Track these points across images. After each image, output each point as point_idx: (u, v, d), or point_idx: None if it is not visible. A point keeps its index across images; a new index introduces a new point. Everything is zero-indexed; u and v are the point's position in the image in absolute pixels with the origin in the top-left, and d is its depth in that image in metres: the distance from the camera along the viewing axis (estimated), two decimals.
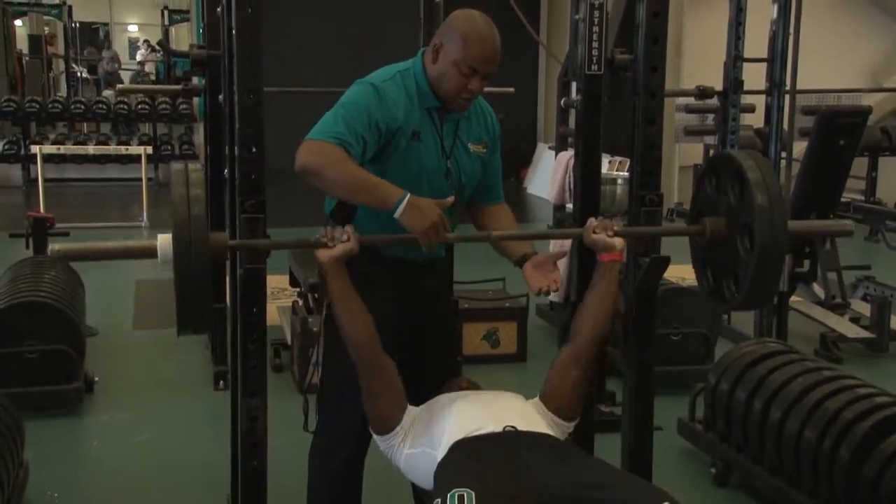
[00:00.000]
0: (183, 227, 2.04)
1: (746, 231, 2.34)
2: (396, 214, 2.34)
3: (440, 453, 2.23)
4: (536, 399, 2.44)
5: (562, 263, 3.93)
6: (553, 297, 5.25)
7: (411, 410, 2.41)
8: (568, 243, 3.88)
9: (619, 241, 2.44)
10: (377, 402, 2.38)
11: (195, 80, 5.49)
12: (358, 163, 2.42)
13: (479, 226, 2.81)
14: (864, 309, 5.60)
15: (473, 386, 2.65)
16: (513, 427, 2.24)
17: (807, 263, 5.50)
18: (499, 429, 2.23)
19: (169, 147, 12.38)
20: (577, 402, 2.45)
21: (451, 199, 2.47)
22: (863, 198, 9.07)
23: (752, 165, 2.35)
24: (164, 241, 2.08)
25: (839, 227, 2.77)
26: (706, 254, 2.55)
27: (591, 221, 2.48)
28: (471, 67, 2.48)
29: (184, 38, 16.23)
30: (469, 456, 2.16)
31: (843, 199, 6.29)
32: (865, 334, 5.30)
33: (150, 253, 2.13)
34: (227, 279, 2.95)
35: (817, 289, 5.70)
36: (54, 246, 2.20)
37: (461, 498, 1.97)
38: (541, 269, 2.60)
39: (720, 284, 2.49)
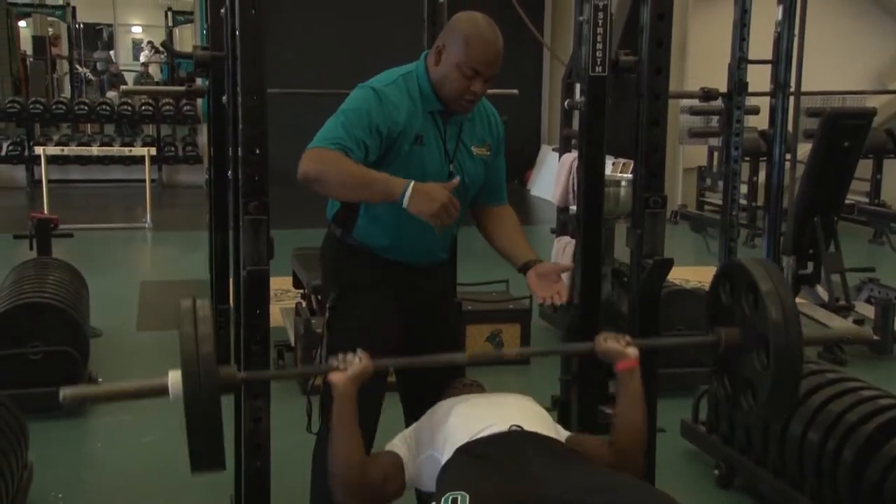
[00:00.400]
0: (192, 366, 2.04)
1: (762, 343, 2.29)
2: (404, 203, 2.33)
3: (445, 457, 2.23)
4: (565, 437, 2.37)
5: (567, 258, 3.94)
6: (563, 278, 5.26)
7: (403, 450, 2.38)
8: (569, 255, 3.89)
9: (632, 350, 2.36)
10: (383, 500, 2.34)
11: (199, 81, 5.50)
12: (361, 159, 2.42)
13: (482, 227, 2.81)
14: (868, 311, 5.59)
15: (477, 385, 2.65)
16: (518, 426, 2.24)
17: (811, 265, 5.50)
18: (504, 428, 2.23)
19: (172, 148, 12.40)
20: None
21: (456, 179, 2.46)
22: (867, 200, 9.08)
23: (765, 276, 2.30)
24: (175, 379, 2.08)
25: (857, 333, 2.70)
26: (721, 361, 2.50)
27: (602, 334, 2.41)
28: (473, 69, 2.48)
29: (187, 39, 16.24)
30: (470, 459, 2.15)
31: (847, 202, 6.30)
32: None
33: (162, 392, 2.11)
34: (231, 280, 2.95)
35: (821, 291, 5.69)
36: (65, 391, 2.14)
37: (454, 501, 1.95)
38: (546, 279, 2.60)
39: (737, 394, 2.42)
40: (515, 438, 2.21)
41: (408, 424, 2.71)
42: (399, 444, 2.42)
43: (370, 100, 2.50)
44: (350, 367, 2.25)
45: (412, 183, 2.34)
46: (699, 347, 2.60)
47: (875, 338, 2.56)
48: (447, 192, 2.35)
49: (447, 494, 1.98)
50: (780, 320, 2.23)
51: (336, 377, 2.25)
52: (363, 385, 2.31)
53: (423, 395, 2.60)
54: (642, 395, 2.37)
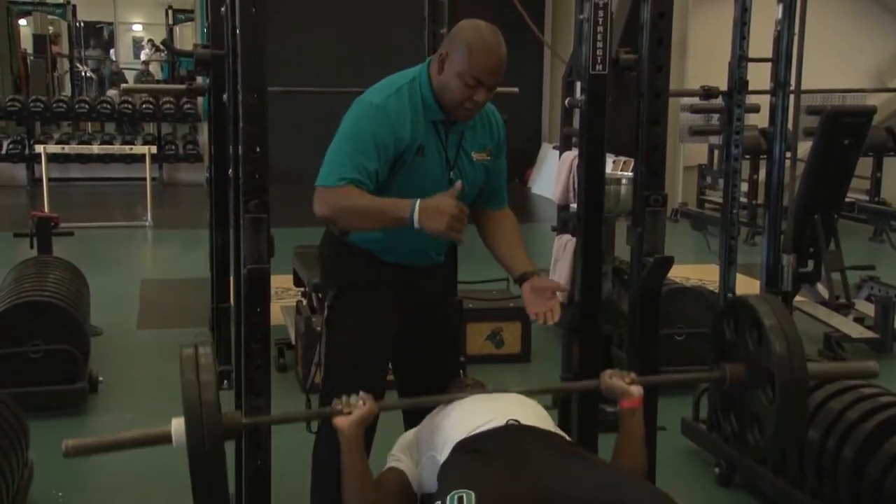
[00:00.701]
0: (195, 413, 2.04)
1: (767, 378, 2.29)
2: (416, 225, 2.35)
3: (442, 456, 2.23)
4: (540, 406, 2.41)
5: (566, 265, 3.94)
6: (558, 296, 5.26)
7: (408, 462, 2.40)
8: (570, 253, 3.88)
9: (636, 389, 2.36)
10: None
11: (199, 79, 5.50)
12: (370, 187, 2.44)
13: (482, 230, 2.81)
14: (869, 309, 5.59)
15: (477, 384, 2.65)
16: (516, 420, 2.24)
17: (811, 263, 5.49)
18: (501, 422, 2.23)
19: (173, 147, 12.41)
20: None
21: (458, 184, 2.46)
22: (867, 198, 9.08)
23: (769, 312, 2.31)
24: (178, 426, 2.08)
25: (860, 369, 2.71)
26: (726, 397, 2.50)
27: (607, 371, 2.41)
28: (476, 79, 2.47)
29: (188, 37, 16.24)
30: (470, 455, 2.16)
31: (847, 200, 6.29)
32: (869, 334, 5.30)
33: (165, 440, 2.11)
34: (232, 279, 2.95)
35: (821, 289, 5.69)
36: (68, 442, 2.13)
37: (460, 499, 1.96)
38: (540, 295, 2.60)
39: (743, 430, 2.43)
40: (513, 432, 2.21)
41: (406, 424, 2.72)
42: (400, 455, 2.43)
43: (373, 119, 2.48)
44: (354, 410, 2.24)
45: (417, 202, 2.35)
46: (700, 346, 2.60)
47: (876, 368, 2.56)
48: (453, 200, 2.36)
49: (452, 493, 1.98)
50: (784, 355, 2.23)
51: (340, 422, 2.24)
52: (362, 388, 2.32)
53: (422, 394, 2.61)
54: (643, 434, 2.38)
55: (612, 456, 2.39)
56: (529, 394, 2.50)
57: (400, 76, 2.61)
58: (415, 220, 2.35)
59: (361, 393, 2.28)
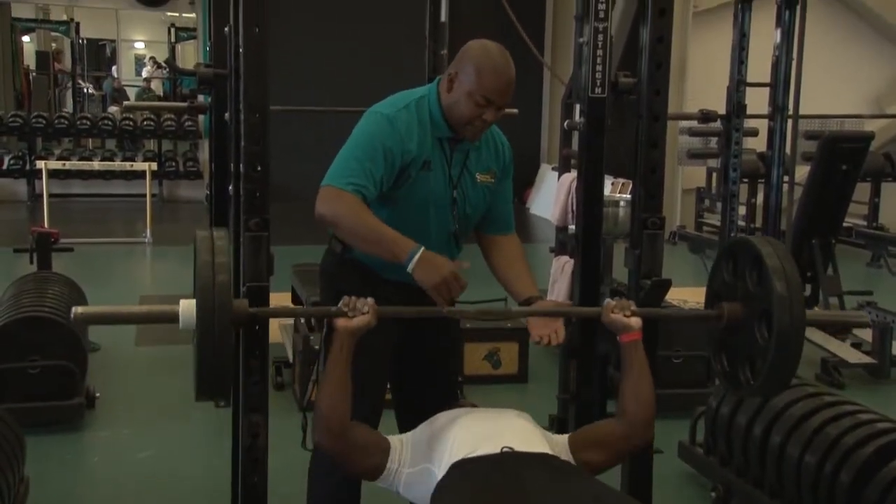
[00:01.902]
0: (207, 293, 2.06)
1: (764, 318, 2.31)
2: (409, 269, 2.37)
3: (440, 472, 2.23)
4: (565, 440, 2.40)
5: (564, 286, 3.95)
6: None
7: (395, 441, 2.39)
8: (568, 274, 3.89)
9: (636, 321, 2.41)
10: (354, 467, 2.36)
11: (200, 97, 5.52)
12: (376, 196, 2.45)
13: (487, 256, 2.81)
14: (866, 334, 5.59)
15: (472, 404, 2.66)
16: (510, 448, 2.24)
17: (809, 288, 5.50)
18: (496, 450, 2.23)
19: (173, 164, 12.43)
20: (608, 467, 2.43)
21: (466, 264, 2.48)
22: (865, 223, 9.09)
23: (771, 252, 2.33)
24: (185, 306, 2.10)
25: (855, 318, 2.75)
26: (721, 338, 2.52)
27: (609, 302, 2.45)
28: (485, 98, 2.49)
29: (190, 55, 16.30)
30: (466, 479, 2.16)
31: (845, 225, 6.31)
32: (867, 360, 5.30)
33: (172, 318, 2.14)
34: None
35: None
36: (77, 309, 2.17)
37: None
38: (543, 318, 2.61)
39: (735, 369, 2.45)
40: (508, 460, 2.21)
41: (401, 430, 2.71)
42: (394, 439, 2.43)
43: (384, 128, 2.51)
44: (357, 316, 2.28)
45: (421, 250, 2.37)
46: (697, 322, 2.63)
47: (867, 318, 2.60)
48: (455, 269, 2.38)
49: None
50: (785, 294, 2.25)
51: (340, 323, 2.29)
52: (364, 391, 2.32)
53: (418, 416, 2.61)
54: (647, 364, 2.43)
55: (619, 396, 2.43)
56: (525, 315, 2.53)
57: (409, 93, 2.64)
58: (411, 264, 2.37)
59: (370, 299, 2.31)
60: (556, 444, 2.37)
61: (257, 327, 2.43)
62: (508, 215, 2.83)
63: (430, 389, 2.77)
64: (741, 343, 2.42)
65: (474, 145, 2.64)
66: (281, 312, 2.35)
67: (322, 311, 2.44)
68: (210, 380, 2.10)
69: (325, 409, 2.29)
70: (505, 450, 2.23)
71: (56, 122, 12.06)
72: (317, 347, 4.13)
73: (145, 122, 12.17)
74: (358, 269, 2.65)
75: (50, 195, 9.16)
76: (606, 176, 2.82)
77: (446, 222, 2.62)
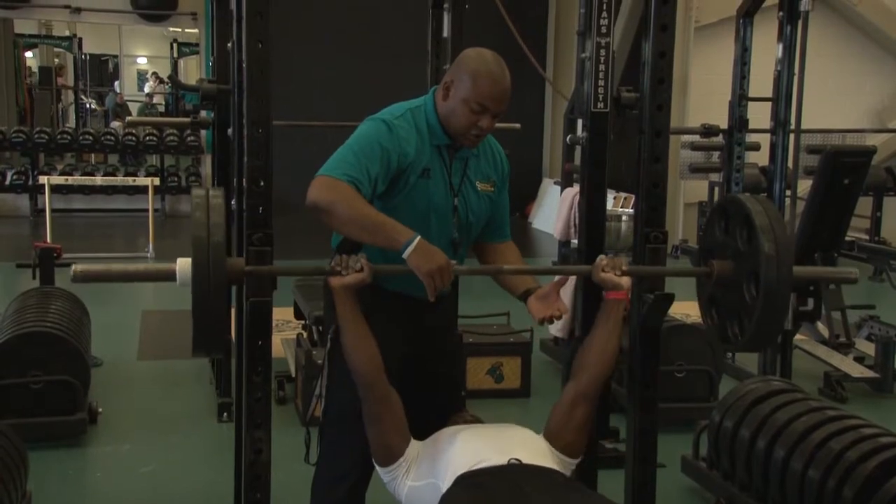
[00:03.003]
0: (202, 251, 2.09)
1: (752, 277, 2.37)
2: (405, 255, 2.36)
3: (444, 485, 2.23)
4: (541, 436, 2.44)
5: (566, 298, 3.94)
6: (557, 331, 5.26)
7: (415, 444, 2.41)
8: (571, 283, 3.89)
9: (626, 281, 2.47)
10: (380, 429, 2.38)
11: (203, 113, 5.54)
12: (368, 200, 2.44)
13: (485, 261, 2.82)
14: (869, 348, 5.59)
15: (477, 421, 2.65)
16: (517, 460, 2.24)
17: (811, 302, 5.49)
18: (503, 461, 2.24)
19: (176, 178, 12.44)
20: (583, 438, 2.46)
21: (455, 263, 2.49)
22: (867, 237, 9.09)
23: (761, 211, 2.38)
24: (182, 264, 2.14)
25: (842, 274, 2.79)
26: (712, 294, 2.57)
27: (601, 259, 2.50)
28: (481, 105, 2.50)
29: (192, 70, 16.34)
30: (470, 491, 2.16)
31: (847, 239, 6.31)
32: (870, 374, 5.29)
33: (170, 276, 2.19)
34: (233, 311, 2.96)
35: (821, 328, 5.69)
36: (76, 266, 2.22)
37: None
38: (544, 300, 2.62)
39: (724, 325, 2.52)
40: (514, 472, 2.21)
41: None
42: (412, 440, 2.45)
43: (381, 131, 2.52)
44: (349, 274, 2.33)
45: (418, 237, 2.36)
46: (687, 276, 2.67)
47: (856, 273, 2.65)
48: (447, 259, 2.38)
49: None
50: (772, 254, 2.32)
51: (335, 281, 2.35)
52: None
53: (423, 429, 2.61)
54: (622, 329, 2.50)
55: (583, 350, 2.51)
56: (522, 272, 2.57)
57: (405, 103, 2.65)
58: (407, 250, 2.35)
59: (361, 255, 2.36)
60: (548, 448, 2.38)
61: (260, 342, 2.43)
62: (506, 224, 2.84)
63: (433, 402, 2.77)
64: (731, 300, 2.49)
65: (473, 153, 2.65)
66: (276, 271, 2.37)
67: (317, 269, 2.47)
68: (206, 335, 2.16)
69: (361, 364, 2.36)
70: (512, 461, 2.23)
71: (59, 137, 12.08)
72: (319, 362, 4.13)
73: (148, 138, 12.19)
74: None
75: (52, 210, 9.17)
76: (609, 190, 2.83)
77: (448, 230, 2.62)
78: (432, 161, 2.58)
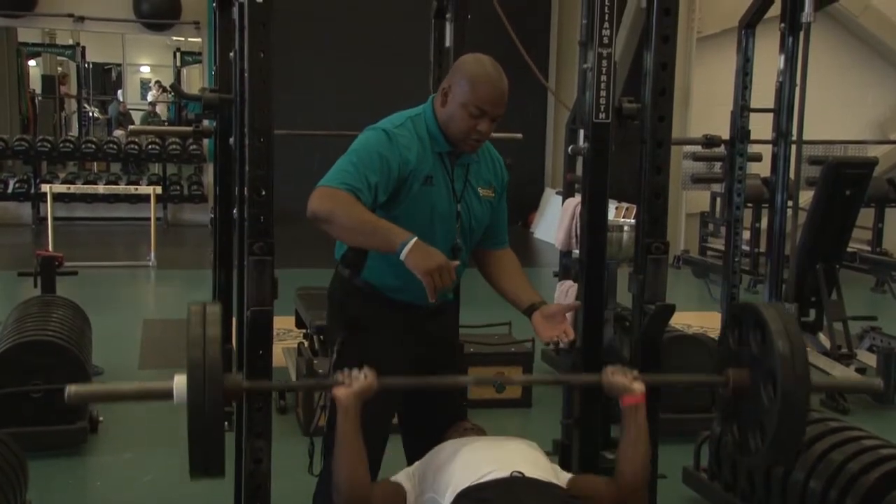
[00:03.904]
0: (198, 369, 2.05)
1: (769, 378, 2.31)
2: (402, 256, 2.34)
3: (445, 500, 2.23)
4: (566, 480, 2.39)
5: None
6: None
7: (407, 484, 2.39)
8: (572, 299, 3.89)
9: (638, 385, 2.36)
10: None
11: (206, 122, 5.54)
12: (369, 209, 2.44)
13: (484, 270, 2.83)
14: (871, 360, 5.58)
15: (478, 429, 2.65)
16: (520, 473, 2.23)
17: (813, 313, 5.49)
18: (505, 473, 2.23)
19: (178, 187, 12.46)
20: None
21: (456, 263, 2.47)
22: (869, 248, 9.09)
23: (774, 315, 2.34)
24: (180, 382, 2.09)
25: (866, 384, 2.69)
26: (731, 407, 2.51)
27: (609, 367, 2.42)
28: (479, 109, 2.51)
29: (195, 79, 16.36)
30: (471, 503, 2.15)
31: (849, 250, 6.30)
32: None
33: (167, 395, 2.12)
34: (234, 320, 2.96)
35: (823, 339, 5.69)
36: (70, 388, 2.18)
37: None
38: (551, 320, 2.61)
39: (745, 436, 2.43)
40: (516, 485, 2.21)
41: (409, 459, 2.71)
42: (403, 478, 2.42)
43: (381, 140, 2.52)
44: (355, 382, 2.27)
45: (415, 238, 2.35)
46: (703, 388, 2.62)
47: (880, 384, 2.57)
48: (447, 260, 2.37)
49: None
50: (787, 353, 2.25)
51: (340, 392, 2.27)
52: (370, 417, 2.32)
53: (424, 438, 2.60)
54: (647, 431, 2.37)
55: (617, 460, 2.39)
56: (531, 384, 2.50)
57: (405, 112, 2.66)
58: (404, 251, 2.33)
59: (365, 367, 2.31)
60: (561, 479, 2.36)
61: (261, 351, 2.43)
62: (504, 231, 2.85)
63: (434, 410, 2.76)
64: (750, 409, 2.40)
65: (474, 159, 2.66)
66: (277, 387, 2.34)
67: (321, 383, 2.43)
68: (204, 455, 2.08)
69: (346, 484, 2.27)
70: (515, 474, 2.23)
71: (61, 145, 12.11)
72: (321, 371, 4.13)
73: (150, 146, 12.21)
74: (365, 294, 2.65)
75: (55, 218, 9.17)
76: (610, 200, 2.83)
77: (451, 236, 2.63)
78: (435, 168, 2.58)
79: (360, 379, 2.28)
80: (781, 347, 2.26)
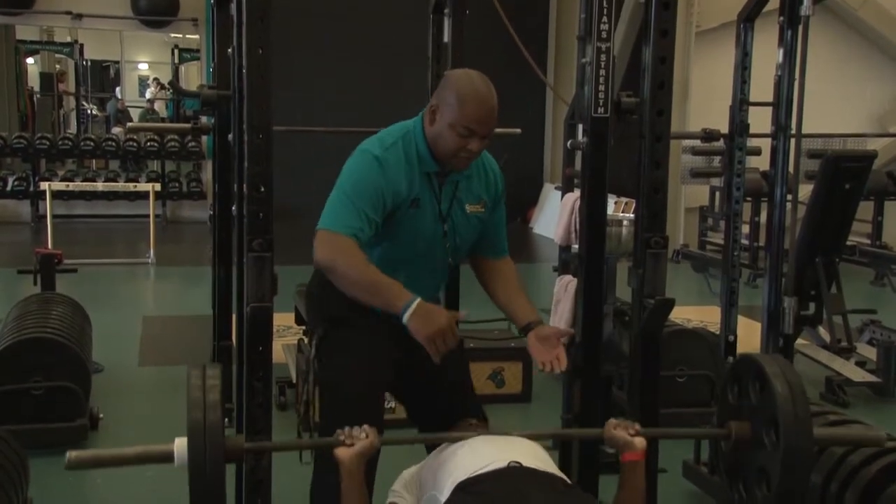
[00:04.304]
0: (198, 434, 2.05)
1: (771, 424, 2.30)
2: (404, 319, 2.37)
3: (443, 496, 2.23)
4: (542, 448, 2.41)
5: (567, 306, 3.94)
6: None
7: (406, 496, 2.42)
8: (571, 294, 3.89)
9: (639, 441, 2.34)
10: None
11: (204, 118, 5.54)
12: (369, 241, 2.45)
13: (482, 279, 2.82)
14: (871, 353, 5.58)
15: (482, 424, 2.65)
16: (517, 462, 2.24)
17: (812, 306, 5.49)
18: (503, 464, 2.23)
19: (177, 184, 12.45)
20: None
21: (464, 313, 2.51)
22: (869, 241, 9.09)
23: (770, 361, 2.37)
24: (181, 446, 2.09)
25: (870, 437, 2.68)
26: (734, 465, 2.51)
27: (612, 421, 2.40)
28: (467, 128, 2.48)
29: (193, 76, 16.34)
30: (470, 496, 2.16)
31: (848, 243, 6.30)
32: (871, 378, 5.28)
33: (167, 458, 2.12)
34: (234, 316, 2.96)
35: (823, 332, 5.69)
36: (71, 454, 2.14)
37: None
38: (546, 343, 2.61)
39: (751, 491, 2.42)
40: (514, 474, 2.21)
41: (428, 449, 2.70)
42: (402, 491, 2.43)
43: (374, 170, 2.50)
44: (357, 442, 2.24)
45: (417, 301, 2.37)
46: (701, 388, 2.63)
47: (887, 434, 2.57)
48: (449, 320, 2.39)
49: None
50: (787, 395, 2.26)
51: (342, 453, 2.24)
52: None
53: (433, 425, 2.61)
54: (643, 488, 2.35)
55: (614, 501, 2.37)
56: (531, 437, 2.49)
57: (395, 129, 2.63)
58: (406, 314, 2.37)
59: (365, 426, 2.28)
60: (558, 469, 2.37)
61: (260, 348, 2.43)
62: (502, 240, 2.83)
63: (444, 402, 2.76)
64: (754, 460, 2.40)
65: (464, 174, 2.63)
66: (279, 447, 2.37)
67: (321, 442, 2.43)
68: None
69: None
70: (513, 464, 2.23)
71: (60, 143, 12.09)
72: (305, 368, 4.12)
73: (149, 143, 12.20)
74: (344, 295, 2.59)
75: (53, 216, 9.17)
76: (609, 195, 2.83)
77: (436, 254, 2.63)
78: (422, 190, 2.56)
79: (362, 438, 2.25)
80: (780, 388, 2.27)
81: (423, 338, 2.36)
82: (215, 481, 2.05)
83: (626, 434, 2.33)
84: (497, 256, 2.81)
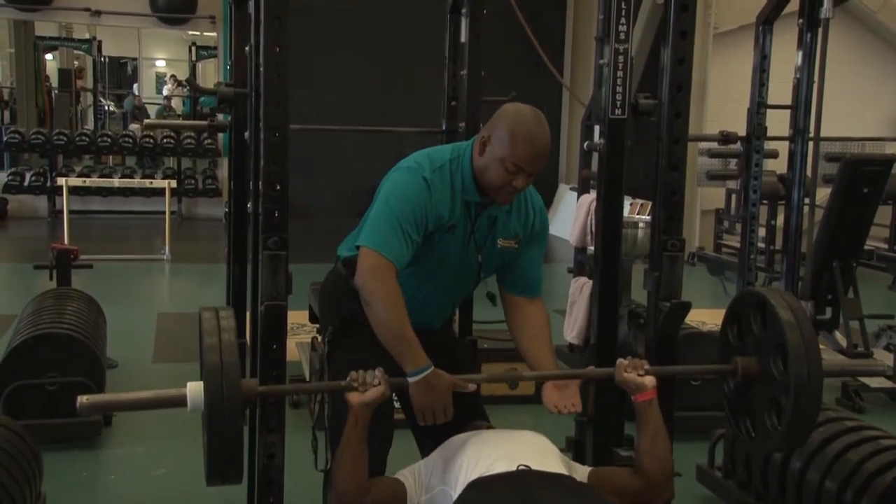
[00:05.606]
0: (215, 375, 2.04)
1: (779, 352, 2.30)
2: (410, 381, 2.39)
3: (456, 492, 2.23)
4: (586, 473, 2.41)
5: (582, 307, 3.92)
6: (573, 338, 5.24)
7: (410, 480, 2.41)
8: (586, 295, 3.87)
9: (649, 380, 2.40)
10: None
11: (221, 116, 5.55)
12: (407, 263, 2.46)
13: (509, 318, 2.79)
14: (887, 358, 5.54)
15: (488, 427, 2.65)
16: (526, 466, 2.23)
17: (829, 311, 5.46)
18: (512, 467, 2.23)
19: (193, 181, 12.49)
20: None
21: (472, 387, 2.50)
22: (886, 246, 9.04)
23: (772, 292, 2.39)
24: (193, 389, 2.07)
25: (871, 366, 2.70)
26: (739, 401, 2.52)
27: (622, 361, 2.43)
28: (517, 166, 2.47)
29: (210, 73, 16.40)
30: (480, 496, 2.16)
31: (866, 248, 6.26)
32: (888, 384, 5.24)
33: (180, 402, 2.10)
34: (249, 314, 2.96)
35: (839, 337, 5.65)
36: (82, 398, 2.13)
37: None
38: (563, 390, 2.60)
39: (761, 422, 2.42)
40: (523, 477, 2.21)
41: (423, 453, 2.70)
42: (407, 475, 2.42)
43: (422, 191, 2.50)
44: (369, 389, 2.27)
45: (430, 370, 2.39)
46: (718, 384, 2.62)
47: (888, 366, 2.59)
48: (449, 397, 2.41)
49: None
50: (791, 320, 2.28)
51: (353, 398, 2.28)
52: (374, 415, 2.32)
53: (436, 439, 2.59)
54: (663, 423, 2.41)
55: (636, 453, 2.42)
56: (544, 379, 2.51)
57: (444, 150, 2.62)
58: (415, 377, 2.38)
59: (378, 370, 2.30)
60: (574, 470, 2.36)
61: (274, 346, 2.43)
62: (535, 279, 2.79)
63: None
64: (763, 393, 2.40)
65: (504, 209, 2.62)
66: (291, 390, 2.36)
67: (332, 386, 2.44)
68: (221, 463, 2.07)
69: (342, 485, 2.30)
70: (521, 467, 2.23)
71: (77, 139, 12.14)
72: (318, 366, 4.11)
73: (165, 140, 12.23)
74: (357, 295, 2.58)
75: (70, 212, 9.20)
76: (626, 197, 2.82)
77: (462, 275, 2.64)
78: (460, 217, 2.56)
79: (374, 384, 2.28)
80: (784, 314, 2.28)
81: (417, 406, 2.41)
82: (234, 424, 2.04)
83: (636, 376, 2.40)
84: (528, 295, 2.78)
